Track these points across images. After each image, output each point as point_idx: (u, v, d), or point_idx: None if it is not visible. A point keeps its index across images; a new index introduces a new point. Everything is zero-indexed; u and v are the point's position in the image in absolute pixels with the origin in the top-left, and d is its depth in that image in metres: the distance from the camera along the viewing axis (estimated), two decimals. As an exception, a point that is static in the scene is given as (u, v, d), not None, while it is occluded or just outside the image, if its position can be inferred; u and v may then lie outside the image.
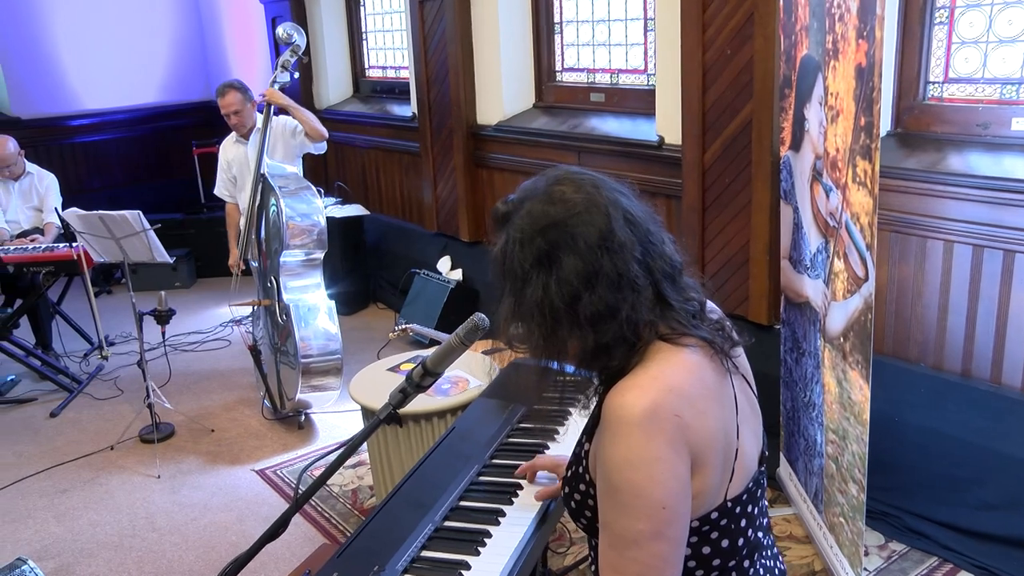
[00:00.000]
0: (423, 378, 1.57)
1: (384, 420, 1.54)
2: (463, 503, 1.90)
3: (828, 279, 2.86)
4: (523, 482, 1.96)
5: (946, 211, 3.07)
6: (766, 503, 1.51)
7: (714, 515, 1.37)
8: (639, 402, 1.28)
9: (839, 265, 2.75)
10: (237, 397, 4.91)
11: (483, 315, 1.53)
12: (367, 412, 3.33)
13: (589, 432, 1.47)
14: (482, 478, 1.99)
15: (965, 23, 3.11)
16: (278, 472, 4.01)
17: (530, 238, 1.34)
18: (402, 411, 1.63)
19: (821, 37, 2.75)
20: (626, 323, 1.33)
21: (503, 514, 1.84)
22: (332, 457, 1.59)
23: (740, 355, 1.49)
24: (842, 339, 2.75)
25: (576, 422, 2.19)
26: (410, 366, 3.45)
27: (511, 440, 2.16)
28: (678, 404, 1.29)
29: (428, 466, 1.99)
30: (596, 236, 1.32)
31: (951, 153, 3.12)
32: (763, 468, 1.49)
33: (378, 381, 3.39)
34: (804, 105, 2.97)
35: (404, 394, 1.58)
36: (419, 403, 1.61)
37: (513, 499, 1.89)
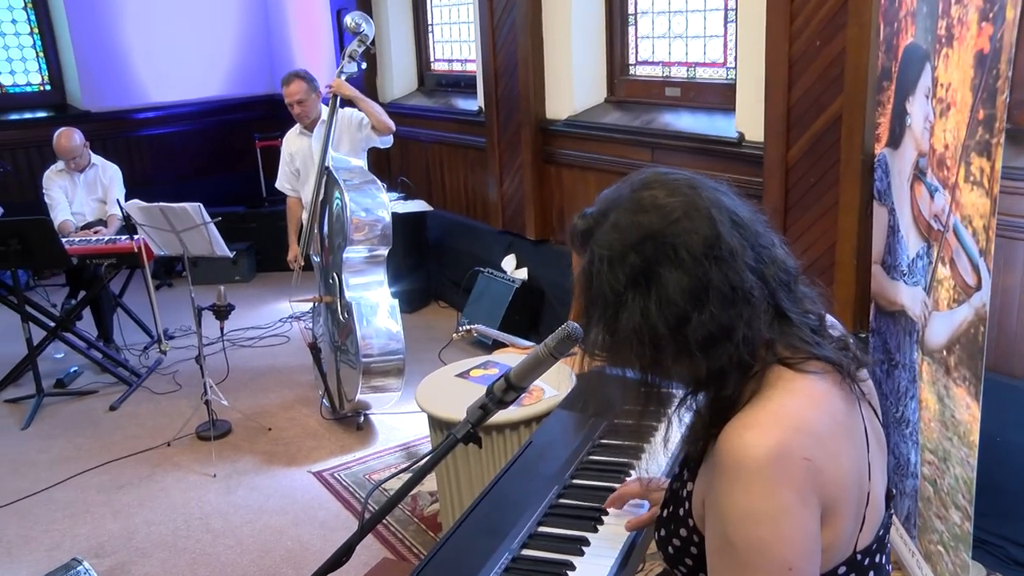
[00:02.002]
0: (506, 393, 1.40)
1: (462, 439, 1.38)
2: (542, 529, 1.72)
3: (929, 287, 2.63)
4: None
5: (1061, 215, 2.83)
6: (891, 547, 1.32)
7: (841, 570, 1.18)
8: (761, 443, 1.09)
9: (944, 272, 2.52)
10: (295, 395, 4.81)
11: (576, 324, 1.35)
12: (434, 421, 3.16)
13: (692, 469, 1.27)
14: (562, 501, 1.82)
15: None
16: (335, 475, 3.89)
17: (621, 255, 1.15)
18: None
19: (931, 23, 2.52)
20: (743, 344, 1.14)
21: (587, 543, 1.67)
22: (397, 473, 1.44)
23: (867, 379, 1.29)
24: (945, 352, 2.52)
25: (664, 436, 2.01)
26: (480, 372, 3.29)
27: (592, 458, 1.98)
28: (807, 445, 1.10)
29: (503, 486, 1.82)
30: (701, 244, 1.13)
31: (1069, 151, 2.87)
32: (891, 511, 1.29)
33: (446, 388, 3.20)
34: (906, 98, 2.74)
35: (484, 410, 1.41)
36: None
37: (598, 526, 1.71)
